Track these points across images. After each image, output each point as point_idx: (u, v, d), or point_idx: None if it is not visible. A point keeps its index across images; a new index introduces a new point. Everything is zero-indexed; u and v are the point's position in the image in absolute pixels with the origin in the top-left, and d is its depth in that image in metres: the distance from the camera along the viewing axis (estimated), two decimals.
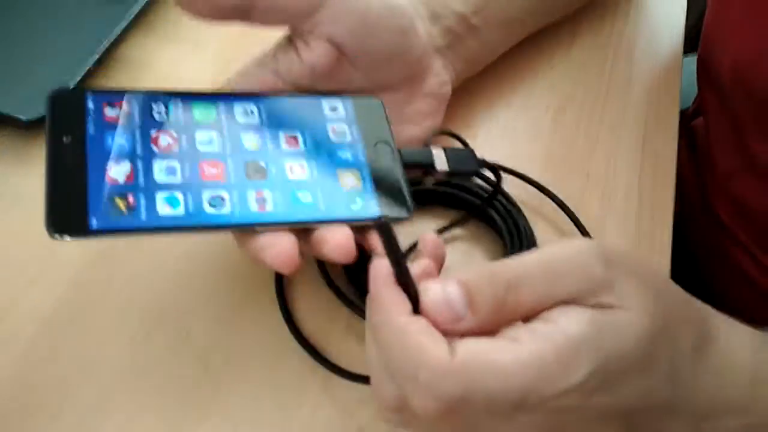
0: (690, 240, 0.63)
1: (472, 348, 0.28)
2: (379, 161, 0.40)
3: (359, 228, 0.37)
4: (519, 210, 0.47)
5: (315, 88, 0.41)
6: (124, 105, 0.37)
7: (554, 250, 0.30)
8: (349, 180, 0.39)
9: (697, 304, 0.34)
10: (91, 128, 0.35)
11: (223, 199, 0.35)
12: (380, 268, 0.30)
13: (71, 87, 0.37)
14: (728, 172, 0.60)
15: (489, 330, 0.29)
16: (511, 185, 0.50)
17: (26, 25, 0.54)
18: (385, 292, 0.29)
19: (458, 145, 0.46)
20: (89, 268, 0.45)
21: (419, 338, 0.28)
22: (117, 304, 0.43)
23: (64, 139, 0.34)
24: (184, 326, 0.43)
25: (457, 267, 0.46)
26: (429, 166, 0.42)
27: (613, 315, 0.29)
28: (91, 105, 0.36)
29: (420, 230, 0.46)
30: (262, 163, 0.38)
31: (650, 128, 0.56)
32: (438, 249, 0.34)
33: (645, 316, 0.29)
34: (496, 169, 0.44)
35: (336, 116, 0.41)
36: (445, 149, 0.42)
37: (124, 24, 0.54)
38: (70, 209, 0.32)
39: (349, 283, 0.44)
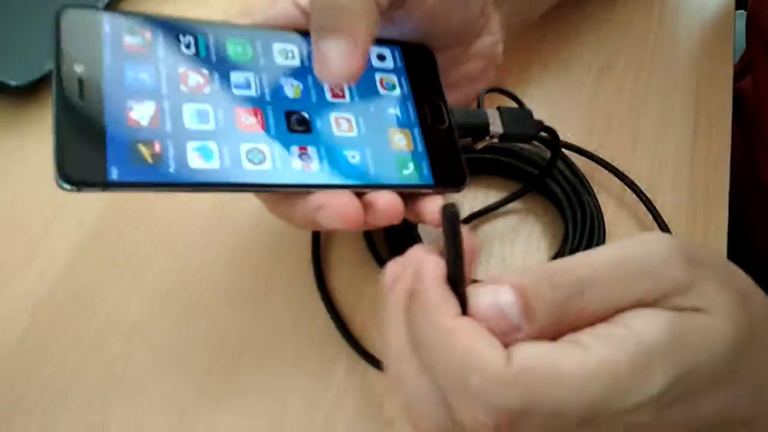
0: (733, 207, 0.58)
1: (533, 353, 0.24)
2: (431, 121, 0.35)
3: (406, 194, 0.33)
4: (583, 182, 0.43)
5: None
6: (147, 33, 0.31)
7: (628, 246, 0.26)
8: (400, 140, 0.33)
9: None
10: (108, 57, 0.29)
11: (262, 153, 0.30)
12: (429, 261, 0.26)
13: (84, 5, 0.30)
14: None
15: (548, 339, 0.25)
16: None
17: None
18: (433, 291, 0.25)
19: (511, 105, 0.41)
20: (98, 229, 0.41)
21: (471, 341, 0.24)
22: (129, 275, 0.40)
23: (76, 68, 0.28)
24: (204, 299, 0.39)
25: (513, 249, 0.42)
26: (483, 129, 0.36)
27: (695, 319, 0.25)
28: (108, 29, 0.30)
29: (471, 204, 0.43)
30: (306, 115, 0.32)
31: (702, 90, 0.51)
32: (470, 244, 0.30)
33: (730, 322, 0.25)
34: (555, 132, 0.39)
35: (384, 66, 0.35)
36: (499, 109, 0.37)
37: None
38: (85, 155, 0.27)
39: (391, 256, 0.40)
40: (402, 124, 0.34)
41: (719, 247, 0.43)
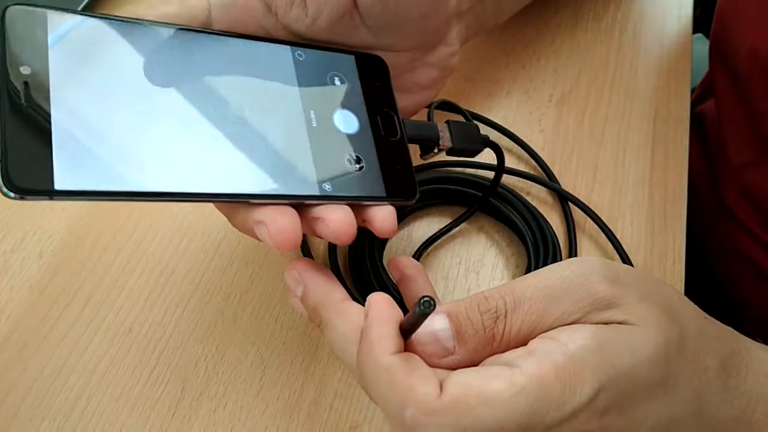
0: (700, 235, 0.59)
1: (462, 381, 0.26)
2: (384, 132, 0.34)
3: (355, 206, 0.32)
4: (521, 198, 0.44)
5: (306, 36, 0.35)
6: (98, 34, 0.29)
7: (549, 270, 0.28)
8: (353, 150, 0.33)
9: (717, 322, 0.32)
10: (55, 59, 0.28)
11: (211, 160, 0.29)
12: (378, 304, 0.28)
13: (30, 3, 0.28)
14: (743, 163, 0.56)
15: (483, 360, 0.28)
16: (524, 185, 0.46)
17: None
18: (375, 330, 0.27)
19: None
20: (59, 261, 0.40)
21: (405, 377, 0.26)
22: (90, 309, 0.39)
23: (22, 70, 0.27)
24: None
25: (479, 279, 0.43)
26: (433, 142, 0.36)
27: (620, 329, 0.27)
28: (55, 29, 0.28)
29: (425, 232, 0.43)
30: (255, 123, 0.31)
31: (660, 116, 0.52)
32: (414, 269, 0.34)
33: (657, 333, 0.27)
34: (499, 148, 0.39)
35: (337, 75, 0.35)
36: (448, 122, 0.37)
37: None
38: (30, 162, 0.25)
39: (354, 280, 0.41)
40: (355, 134, 0.33)
41: (678, 274, 0.44)
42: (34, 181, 0.25)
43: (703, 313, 0.31)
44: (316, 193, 0.31)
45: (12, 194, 0.25)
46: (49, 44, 0.28)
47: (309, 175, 0.31)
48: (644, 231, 0.45)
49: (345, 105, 0.34)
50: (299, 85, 0.33)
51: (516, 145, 0.48)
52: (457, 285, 0.42)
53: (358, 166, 0.33)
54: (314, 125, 0.32)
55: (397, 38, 0.36)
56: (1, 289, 0.40)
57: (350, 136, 0.33)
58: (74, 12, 0.29)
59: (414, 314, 0.26)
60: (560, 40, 0.55)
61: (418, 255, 0.42)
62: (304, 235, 0.41)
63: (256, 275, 0.41)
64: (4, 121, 0.26)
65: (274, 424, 0.37)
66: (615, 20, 0.57)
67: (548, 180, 0.46)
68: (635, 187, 0.47)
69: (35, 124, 0.26)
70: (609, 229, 0.44)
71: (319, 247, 0.43)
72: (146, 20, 0.31)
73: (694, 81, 0.67)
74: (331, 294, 0.31)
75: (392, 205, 0.32)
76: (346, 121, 0.33)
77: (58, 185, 0.25)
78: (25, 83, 0.27)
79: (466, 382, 0.25)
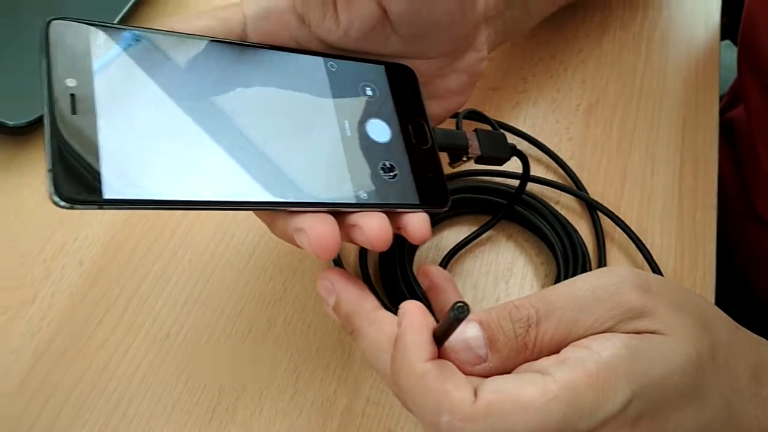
0: (730, 243, 0.59)
1: (496, 387, 0.26)
2: (415, 141, 0.35)
3: (389, 213, 0.32)
4: (549, 207, 0.44)
5: (338, 47, 0.35)
6: (137, 45, 0.30)
7: (581, 280, 0.29)
8: (386, 159, 0.33)
9: (748, 332, 0.32)
10: (99, 71, 0.28)
11: (251, 171, 0.30)
12: (412, 311, 0.28)
13: (72, 18, 0.29)
14: None
15: (516, 367, 0.28)
16: (553, 193, 0.46)
17: (13, 29, 0.50)
18: (409, 337, 0.27)
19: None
20: (98, 268, 0.41)
21: (440, 383, 0.26)
22: (129, 315, 0.40)
23: (68, 82, 0.27)
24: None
25: (508, 289, 0.43)
26: (463, 150, 0.37)
27: (652, 338, 0.27)
28: (98, 42, 0.29)
29: (449, 241, 0.43)
30: (292, 133, 0.32)
31: (689, 124, 0.52)
32: (443, 278, 0.34)
33: (689, 344, 0.27)
34: (525, 157, 0.40)
35: (368, 85, 0.35)
36: (476, 131, 0.37)
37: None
38: (79, 172, 0.26)
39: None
40: (387, 143, 0.34)
41: (708, 283, 0.44)
42: (83, 191, 0.26)
43: (734, 322, 0.31)
44: (353, 200, 0.31)
45: (63, 203, 0.25)
46: (93, 57, 0.29)
47: (345, 184, 0.32)
48: (674, 240, 0.46)
49: (377, 114, 0.35)
50: (333, 95, 0.34)
51: (544, 155, 0.48)
52: (486, 294, 0.43)
53: (391, 174, 0.33)
54: (348, 134, 0.33)
55: (427, 46, 0.37)
56: (42, 295, 0.41)
57: (383, 145, 0.34)
58: (115, 26, 0.30)
59: (447, 320, 0.26)
60: (588, 50, 0.55)
61: (445, 263, 0.43)
62: (364, 253, 0.42)
63: (289, 282, 0.42)
64: (53, 132, 0.26)
65: (308, 429, 0.37)
66: (642, 29, 0.57)
67: (576, 189, 0.47)
68: (664, 195, 0.48)
69: (83, 136, 0.27)
70: (638, 239, 0.44)
71: (350, 255, 0.44)
72: (185, 33, 0.32)
73: (722, 88, 0.67)
74: (363, 303, 0.31)
75: (425, 212, 0.33)
76: (379, 131, 0.34)
77: (107, 195, 0.26)
78: (72, 95, 0.27)
79: (500, 388, 0.26)
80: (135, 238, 0.43)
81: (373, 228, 0.30)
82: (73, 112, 0.27)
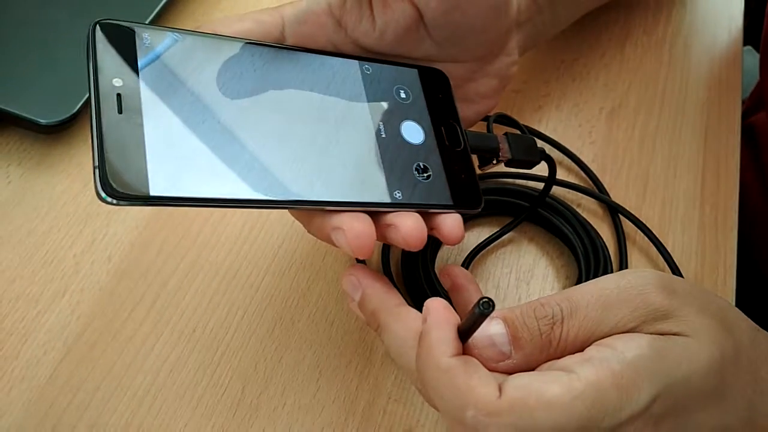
0: (751, 246, 0.59)
1: (522, 384, 0.26)
2: (449, 143, 0.36)
3: (423, 213, 0.33)
4: (572, 210, 0.45)
5: (373, 50, 0.36)
6: (179, 46, 0.31)
7: (606, 280, 0.29)
8: (420, 161, 0.34)
9: None
10: (145, 70, 0.29)
11: (291, 170, 0.31)
12: (434, 307, 0.29)
13: (117, 20, 0.30)
14: None
15: (539, 365, 0.28)
16: (574, 197, 0.47)
17: (48, 28, 0.51)
18: (434, 333, 0.28)
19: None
20: (127, 264, 0.42)
21: (466, 378, 0.26)
22: (157, 311, 0.41)
23: (114, 82, 0.28)
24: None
25: (529, 290, 0.44)
26: (494, 153, 0.37)
27: (676, 340, 0.27)
28: (143, 42, 0.30)
29: (472, 242, 0.44)
30: (329, 134, 0.33)
31: (711, 130, 0.52)
32: (465, 278, 0.35)
33: (713, 346, 0.27)
34: (552, 161, 0.40)
35: (402, 88, 0.36)
36: (506, 135, 0.38)
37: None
38: (126, 169, 0.27)
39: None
40: (421, 144, 0.35)
41: (729, 287, 0.44)
42: (130, 187, 0.27)
43: (755, 325, 0.32)
44: (388, 200, 0.32)
45: (109, 200, 0.26)
46: (138, 57, 0.30)
47: (380, 184, 0.32)
48: (695, 244, 0.46)
49: (411, 116, 0.35)
50: (368, 98, 0.35)
51: (566, 158, 0.49)
52: (507, 294, 0.43)
53: (425, 175, 0.34)
54: (383, 136, 0.34)
55: (460, 49, 0.37)
56: (72, 290, 0.42)
57: (417, 147, 0.35)
58: (159, 28, 0.31)
59: (473, 315, 0.27)
60: (610, 54, 0.55)
61: (467, 263, 0.43)
62: (387, 251, 0.43)
63: (312, 280, 0.43)
64: (99, 131, 0.27)
65: (330, 425, 0.38)
66: (665, 34, 0.57)
67: (598, 192, 0.47)
68: (686, 199, 0.48)
69: (129, 133, 0.28)
70: (660, 242, 0.44)
71: (373, 254, 0.44)
72: (225, 36, 0.33)
73: (743, 93, 0.67)
74: (388, 299, 0.32)
75: (458, 213, 0.33)
76: (413, 132, 0.35)
77: (153, 191, 0.27)
78: (118, 95, 0.28)
79: (525, 385, 0.26)
80: (162, 236, 0.44)
81: (409, 227, 0.31)
82: (120, 110, 0.28)
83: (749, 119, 0.65)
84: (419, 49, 0.37)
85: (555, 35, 0.50)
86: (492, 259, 0.45)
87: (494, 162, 0.38)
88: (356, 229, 0.30)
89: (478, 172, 0.37)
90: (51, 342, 0.40)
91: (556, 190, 0.47)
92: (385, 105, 0.35)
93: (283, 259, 0.43)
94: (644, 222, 0.45)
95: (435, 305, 0.29)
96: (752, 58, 0.71)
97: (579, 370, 0.26)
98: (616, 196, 0.47)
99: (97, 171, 0.26)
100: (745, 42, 0.60)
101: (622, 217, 0.46)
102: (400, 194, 0.32)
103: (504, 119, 0.43)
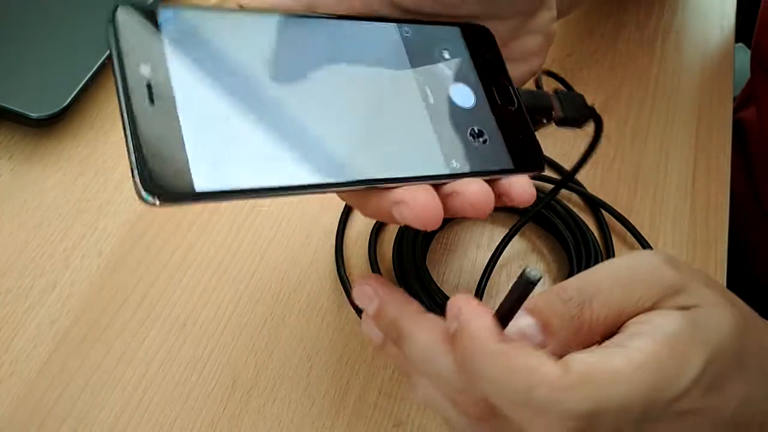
0: (741, 242, 0.59)
1: (584, 359, 0.25)
2: (501, 102, 0.33)
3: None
4: (563, 204, 0.45)
5: (413, 10, 0.34)
6: (206, 25, 0.28)
7: (618, 261, 0.28)
8: (475, 124, 0.32)
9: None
10: (173, 55, 0.26)
11: (340, 150, 0.28)
12: (465, 302, 0.27)
13: (136, 3, 0.27)
14: None
15: (573, 350, 0.27)
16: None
17: (39, 21, 0.51)
18: (475, 323, 0.26)
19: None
20: (117, 258, 0.42)
21: (525, 358, 0.25)
22: (147, 305, 0.41)
23: (142, 71, 0.25)
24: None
25: (516, 272, 0.44)
26: (547, 111, 0.35)
27: (699, 312, 0.27)
28: (169, 25, 0.27)
29: (468, 239, 0.44)
30: (375, 106, 0.30)
31: (702, 125, 0.52)
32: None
33: (728, 313, 0.27)
34: (601, 120, 0.38)
35: (446, 49, 0.33)
36: (556, 92, 0.36)
37: None
38: (167, 165, 0.24)
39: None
40: (473, 107, 0.32)
41: (719, 281, 0.44)
42: (174, 186, 0.24)
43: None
44: (446, 171, 0.30)
45: (155, 201, 0.24)
46: (164, 42, 0.27)
47: (435, 154, 0.30)
48: (686, 238, 0.46)
49: (458, 79, 0.33)
50: (411, 63, 0.32)
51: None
52: (500, 289, 0.43)
53: (482, 139, 0.32)
54: (432, 102, 0.32)
55: (503, 4, 0.36)
56: (62, 284, 0.42)
57: (469, 110, 0.32)
58: (182, 7, 0.28)
59: (516, 289, 0.25)
60: (603, 50, 0.55)
61: (493, 262, 0.42)
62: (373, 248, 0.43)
63: (304, 275, 0.43)
64: (133, 127, 0.24)
65: (320, 419, 0.38)
66: (657, 30, 0.57)
67: (576, 186, 0.47)
68: (677, 194, 0.48)
69: (165, 126, 0.25)
70: (630, 223, 0.44)
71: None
72: (252, 9, 0.30)
73: (735, 90, 0.67)
74: (408, 307, 0.30)
75: (522, 175, 0.31)
76: (463, 95, 0.33)
77: (199, 187, 0.24)
78: (148, 85, 0.25)
79: (588, 359, 0.25)
80: (153, 231, 0.44)
81: (474, 192, 0.29)
82: (151, 101, 0.25)
83: (738, 114, 0.65)
84: (460, 7, 0.35)
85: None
86: (483, 254, 0.44)
87: (545, 121, 0.36)
88: (420, 200, 0.28)
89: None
90: (40, 336, 0.40)
91: (547, 187, 0.47)
92: (430, 69, 0.33)
93: (274, 255, 0.43)
94: (636, 217, 0.45)
95: (462, 300, 0.28)
96: (744, 55, 0.72)
97: (632, 344, 0.25)
98: (608, 191, 0.47)
99: (135, 171, 0.24)
100: (738, 39, 0.60)
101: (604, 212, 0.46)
102: (457, 163, 0.30)
103: (549, 75, 0.41)
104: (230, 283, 0.42)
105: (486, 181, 0.30)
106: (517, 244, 0.45)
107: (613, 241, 0.45)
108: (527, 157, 0.32)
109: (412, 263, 0.42)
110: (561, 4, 0.42)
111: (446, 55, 0.33)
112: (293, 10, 0.32)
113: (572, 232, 0.43)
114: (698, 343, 0.26)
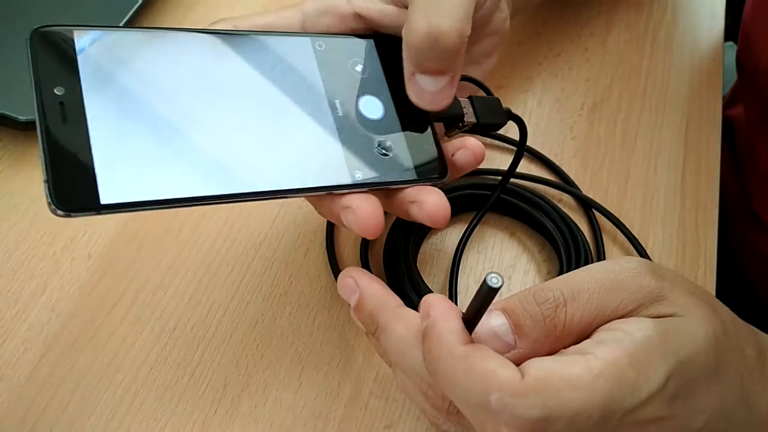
0: (730, 241, 0.59)
1: (542, 365, 0.26)
2: (409, 114, 0.34)
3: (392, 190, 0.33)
4: (552, 204, 0.45)
5: (377, 22, 0.36)
6: (121, 45, 0.30)
7: (600, 266, 0.29)
8: (378, 137, 0.33)
9: (743, 321, 0.32)
10: (88, 76, 0.28)
11: (251, 161, 0.30)
12: (435, 301, 0.28)
13: (56, 24, 0.29)
14: None
15: (548, 352, 0.27)
16: (550, 191, 0.46)
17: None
18: (442, 324, 0.27)
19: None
20: (107, 262, 0.42)
21: (485, 362, 0.26)
22: (137, 308, 0.40)
23: (56, 91, 0.27)
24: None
25: (510, 285, 0.42)
26: (458, 118, 0.36)
27: (675, 320, 0.27)
28: (84, 46, 0.29)
29: (454, 239, 0.44)
30: (288, 119, 0.32)
31: (692, 125, 0.52)
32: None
33: (707, 323, 0.28)
34: (522, 122, 0.39)
35: (360, 61, 0.35)
36: (471, 98, 0.37)
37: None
38: (75, 179, 0.26)
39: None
40: (381, 120, 0.34)
41: (709, 280, 0.44)
42: (80, 199, 0.26)
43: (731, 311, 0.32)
44: (349, 182, 0.32)
45: (61, 212, 0.26)
46: (78, 62, 0.28)
47: (340, 166, 0.32)
48: (676, 237, 0.46)
49: (368, 90, 0.34)
50: (322, 76, 0.34)
51: (545, 157, 0.49)
52: None
53: (387, 150, 0.33)
54: (340, 114, 0.33)
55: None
56: (51, 288, 0.41)
57: (377, 121, 0.34)
58: (99, 27, 0.30)
59: (480, 294, 0.25)
60: (592, 49, 0.55)
61: (457, 261, 0.43)
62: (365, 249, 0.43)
63: (294, 277, 0.43)
64: (46, 143, 0.26)
65: (311, 421, 0.38)
66: (647, 29, 0.57)
67: (567, 186, 0.47)
68: (667, 193, 0.48)
69: (76, 143, 0.27)
70: (636, 239, 0.44)
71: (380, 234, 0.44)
72: (169, 28, 0.32)
73: (725, 88, 0.67)
74: (387, 300, 0.31)
75: (425, 185, 0.33)
76: (371, 107, 0.34)
77: (105, 200, 0.26)
78: (61, 103, 0.27)
79: (546, 366, 0.26)
80: (142, 233, 0.44)
81: (434, 204, 0.32)
82: (64, 120, 0.27)
83: (727, 112, 0.66)
84: None
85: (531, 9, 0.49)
86: (474, 255, 0.45)
87: (460, 126, 0.36)
88: (365, 209, 0.30)
89: (445, 139, 0.36)
90: (30, 340, 0.40)
91: (537, 187, 0.47)
92: (340, 82, 0.34)
93: (265, 257, 0.43)
94: (625, 216, 0.45)
95: (435, 299, 0.28)
96: (734, 53, 0.72)
97: (595, 351, 0.26)
98: (598, 190, 0.47)
99: (46, 185, 0.26)
100: (728, 38, 0.61)
101: (596, 212, 0.46)
102: (360, 174, 0.32)
103: (466, 80, 0.42)
104: (220, 285, 0.42)
105: (392, 190, 0.32)
106: (507, 244, 0.45)
107: (604, 241, 0.45)
108: (432, 167, 0.34)
109: (403, 262, 0.42)
110: (514, 4, 0.43)
111: (357, 68, 0.35)
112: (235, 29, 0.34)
113: (562, 232, 0.43)
114: (664, 354, 0.26)
